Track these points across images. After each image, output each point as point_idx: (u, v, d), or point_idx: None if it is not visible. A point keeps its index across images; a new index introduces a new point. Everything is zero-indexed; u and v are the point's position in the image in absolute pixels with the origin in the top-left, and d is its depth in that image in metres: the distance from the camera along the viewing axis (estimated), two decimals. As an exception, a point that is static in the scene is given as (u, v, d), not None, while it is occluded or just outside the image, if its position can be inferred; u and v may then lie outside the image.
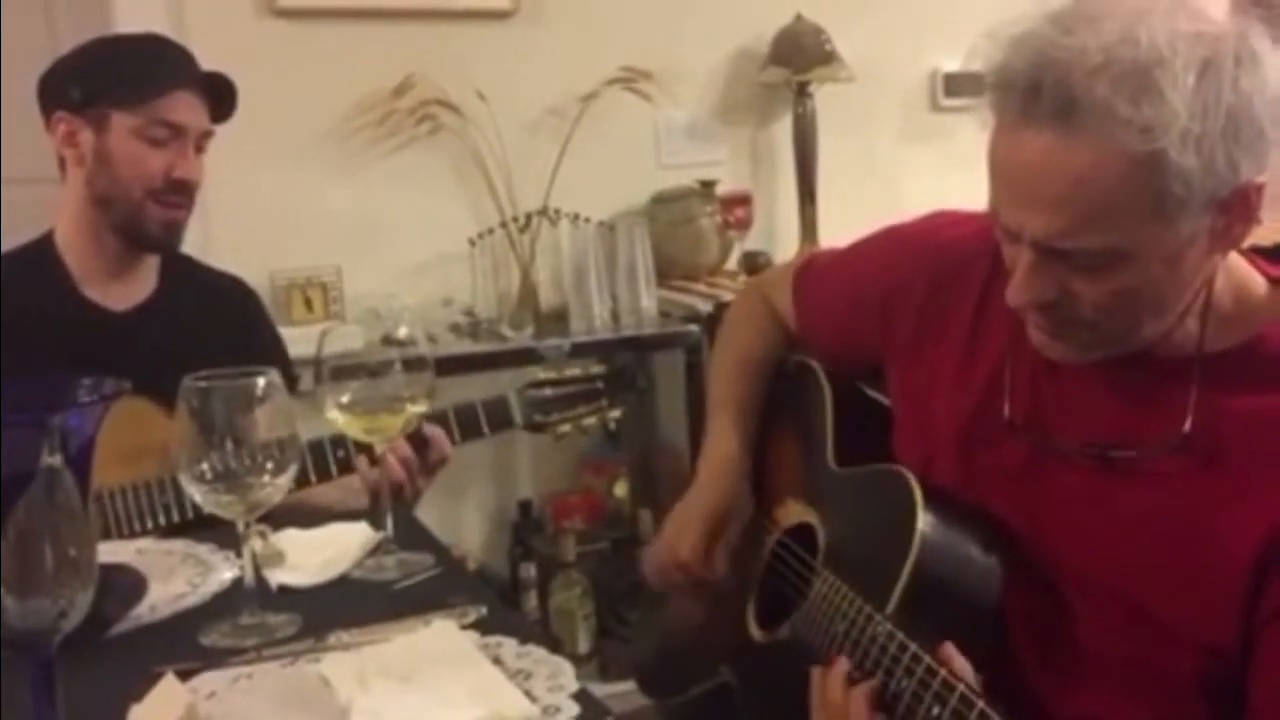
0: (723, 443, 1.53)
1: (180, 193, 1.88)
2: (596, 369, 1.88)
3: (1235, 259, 1.16)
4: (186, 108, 1.87)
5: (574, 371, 1.87)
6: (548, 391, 1.83)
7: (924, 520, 1.19)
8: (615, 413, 1.88)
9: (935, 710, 1.04)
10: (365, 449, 1.70)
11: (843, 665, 1.14)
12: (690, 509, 1.50)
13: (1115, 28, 1.03)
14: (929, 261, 1.36)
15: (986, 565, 1.20)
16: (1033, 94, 1.04)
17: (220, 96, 1.91)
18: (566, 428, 1.85)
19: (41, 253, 1.91)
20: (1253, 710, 1.07)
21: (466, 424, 1.81)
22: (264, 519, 1.28)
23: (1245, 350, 1.13)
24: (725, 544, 1.47)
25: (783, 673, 1.36)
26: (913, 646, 1.09)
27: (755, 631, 1.44)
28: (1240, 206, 1.07)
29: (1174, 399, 1.12)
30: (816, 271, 1.56)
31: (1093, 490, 1.17)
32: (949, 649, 1.07)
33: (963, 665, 1.06)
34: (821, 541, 1.36)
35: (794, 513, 1.46)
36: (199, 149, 1.90)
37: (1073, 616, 1.17)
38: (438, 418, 1.78)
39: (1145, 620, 1.12)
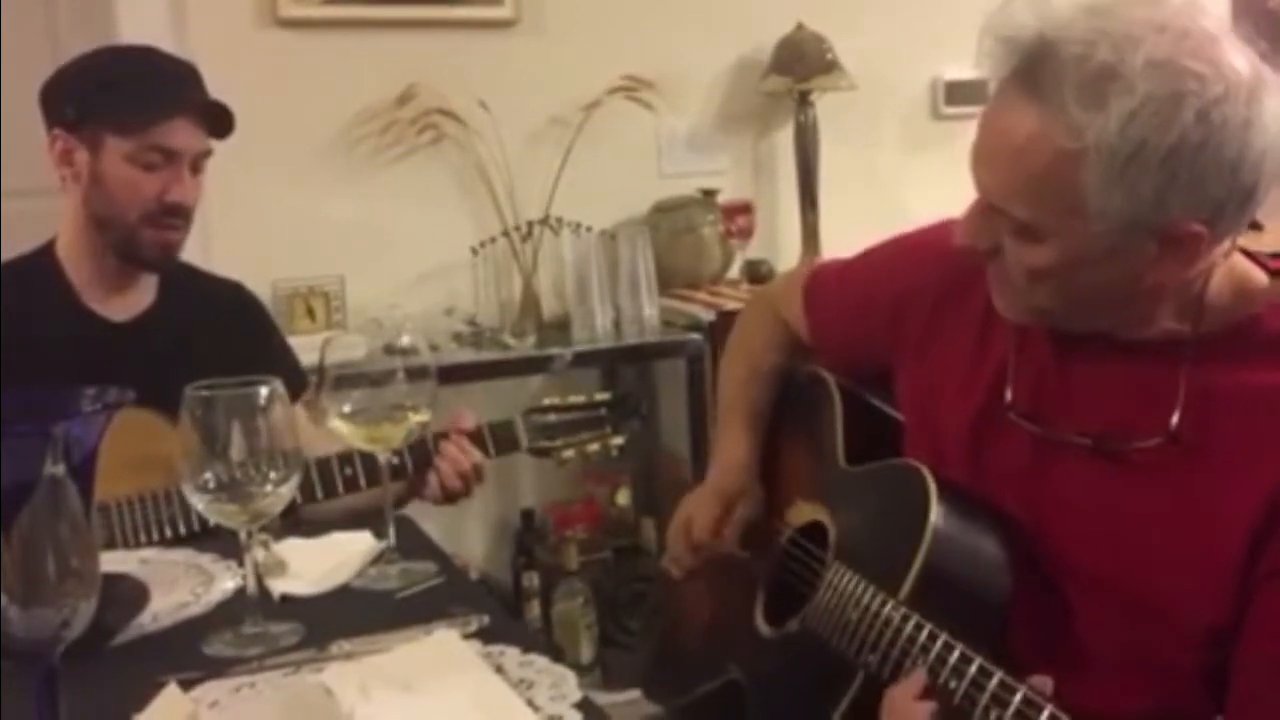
0: (734, 447, 1.56)
1: (175, 215, 1.87)
2: (601, 396, 1.93)
3: (1237, 258, 1.18)
4: (182, 133, 1.85)
5: (579, 398, 1.91)
6: (552, 417, 1.87)
7: (936, 512, 1.21)
8: (618, 439, 1.91)
9: (952, 684, 1.06)
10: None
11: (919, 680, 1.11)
12: (702, 492, 1.54)
13: (1119, 28, 1.04)
14: (938, 266, 1.37)
15: (997, 558, 1.21)
16: (1027, 57, 1.08)
17: (218, 119, 1.90)
18: (570, 453, 1.89)
19: (42, 263, 1.91)
20: (1238, 663, 1.08)
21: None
22: (266, 528, 1.28)
23: (1240, 329, 1.15)
24: (736, 520, 1.50)
25: (793, 666, 1.37)
26: (928, 626, 1.11)
27: (764, 628, 1.45)
28: (1174, 247, 1.08)
29: (1166, 388, 1.13)
30: (826, 281, 1.57)
31: (1091, 480, 1.18)
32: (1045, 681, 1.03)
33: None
34: (832, 536, 1.37)
35: (804, 513, 1.47)
36: (196, 170, 1.89)
37: (1074, 607, 1.19)
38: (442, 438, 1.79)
39: (1145, 610, 1.13)
